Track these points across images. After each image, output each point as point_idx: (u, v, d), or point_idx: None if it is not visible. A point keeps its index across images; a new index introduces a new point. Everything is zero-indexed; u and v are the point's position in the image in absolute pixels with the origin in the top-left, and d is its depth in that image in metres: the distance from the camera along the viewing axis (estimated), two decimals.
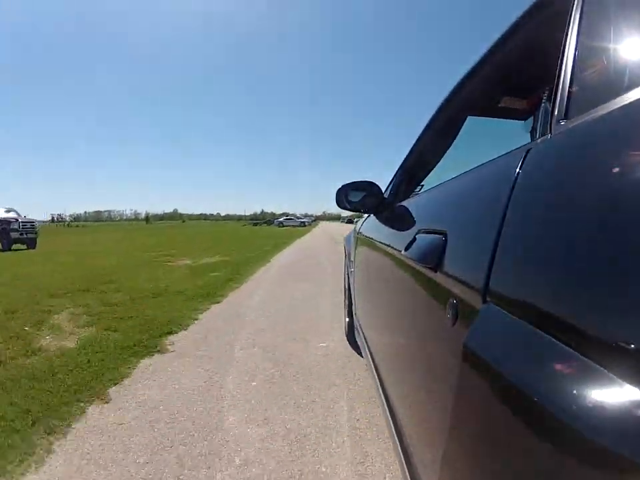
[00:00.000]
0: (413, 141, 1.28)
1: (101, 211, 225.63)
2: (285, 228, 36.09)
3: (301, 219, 50.22)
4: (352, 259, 2.13)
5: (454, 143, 1.26)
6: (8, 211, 10.83)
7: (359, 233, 1.94)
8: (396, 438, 0.86)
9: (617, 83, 0.40)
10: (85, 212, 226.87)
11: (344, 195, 1.51)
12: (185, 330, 2.81)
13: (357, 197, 1.48)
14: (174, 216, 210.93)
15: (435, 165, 1.36)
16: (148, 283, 4.64)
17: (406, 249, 0.83)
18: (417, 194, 1.35)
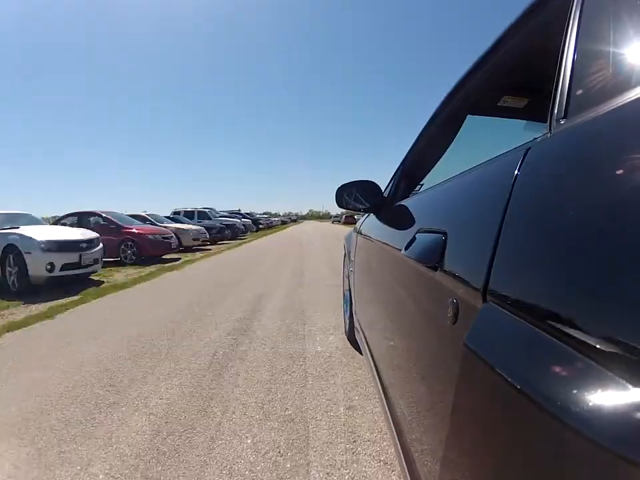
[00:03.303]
0: (413, 141, 1.27)
1: None
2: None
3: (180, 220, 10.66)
4: (352, 258, 2.13)
5: (454, 142, 1.26)
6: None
7: (359, 232, 1.94)
8: (396, 437, 0.86)
9: (616, 82, 0.40)
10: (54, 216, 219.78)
11: (344, 195, 1.52)
12: None
13: (357, 197, 1.48)
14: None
15: (435, 164, 1.36)
16: None
17: (406, 249, 0.83)
18: (416, 193, 1.35)
